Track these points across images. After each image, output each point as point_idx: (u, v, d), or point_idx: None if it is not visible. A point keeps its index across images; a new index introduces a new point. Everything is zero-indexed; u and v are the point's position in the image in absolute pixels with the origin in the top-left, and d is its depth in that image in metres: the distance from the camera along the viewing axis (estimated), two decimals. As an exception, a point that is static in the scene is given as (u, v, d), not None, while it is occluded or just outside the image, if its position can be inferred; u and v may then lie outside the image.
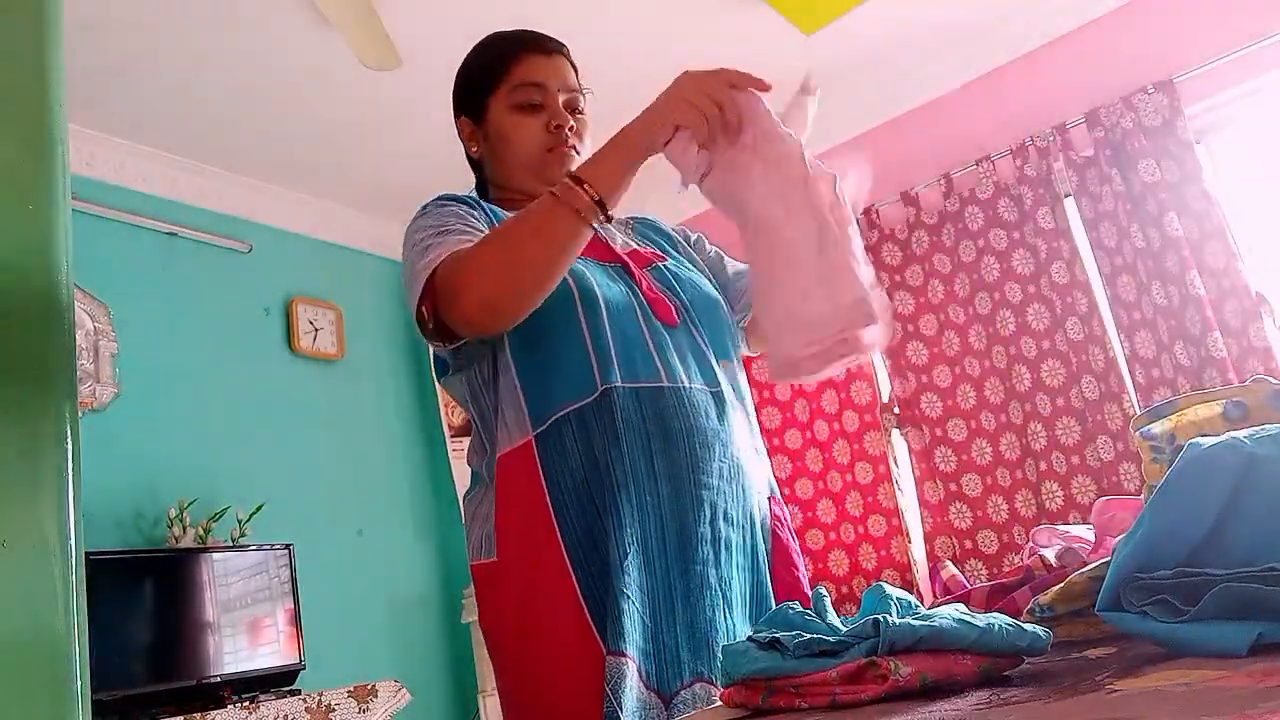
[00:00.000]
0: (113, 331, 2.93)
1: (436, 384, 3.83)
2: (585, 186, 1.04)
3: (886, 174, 3.47)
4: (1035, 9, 3.17)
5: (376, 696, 2.61)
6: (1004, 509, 3.13)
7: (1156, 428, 0.83)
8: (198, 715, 2.33)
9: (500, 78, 1.25)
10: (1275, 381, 0.79)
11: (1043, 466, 3.05)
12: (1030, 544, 1.07)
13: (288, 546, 2.96)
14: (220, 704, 2.46)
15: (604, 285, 1.16)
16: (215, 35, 2.70)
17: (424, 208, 1.23)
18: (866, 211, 3.47)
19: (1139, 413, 0.89)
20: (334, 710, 2.50)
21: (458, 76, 1.33)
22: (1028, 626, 0.70)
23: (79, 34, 2.54)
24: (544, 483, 1.08)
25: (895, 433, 3.39)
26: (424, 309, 1.11)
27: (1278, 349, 2.71)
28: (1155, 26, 3.01)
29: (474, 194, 1.31)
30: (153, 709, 2.42)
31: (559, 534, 1.07)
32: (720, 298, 1.30)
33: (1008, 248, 3.19)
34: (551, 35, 1.29)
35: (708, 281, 1.32)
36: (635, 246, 1.30)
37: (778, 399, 3.61)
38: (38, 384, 0.73)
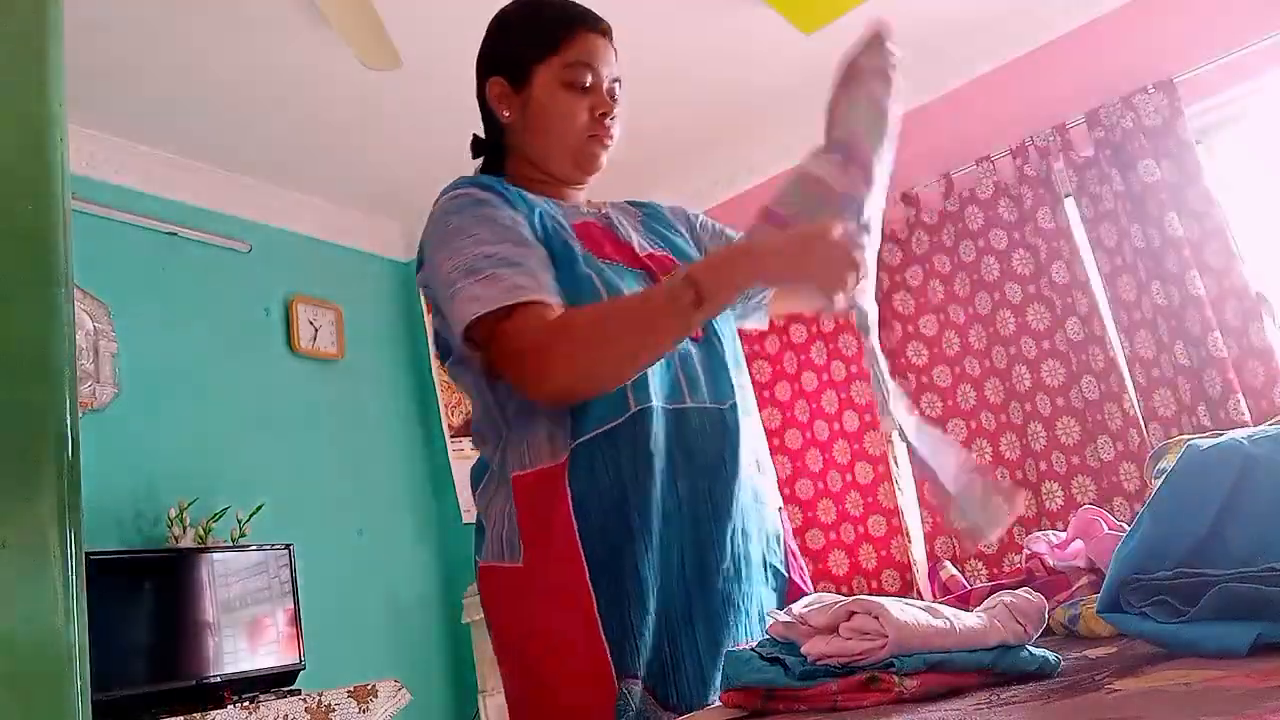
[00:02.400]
0: (113, 331, 2.93)
1: (436, 383, 3.83)
2: (701, 299, 1.01)
3: (886, 174, 3.47)
4: (1035, 9, 3.17)
5: (376, 696, 2.61)
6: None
7: (1165, 463, 0.83)
8: (198, 715, 2.33)
9: (554, 49, 1.20)
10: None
11: (1043, 466, 3.05)
12: (1027, 550, 1.08)
13: (288, 546, 2.96)
14: (220, 704, 2.46)
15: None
16: (215, 35, 2.70)
17: (454, 198, 1.16)
18: (866, 211, 3.47)
19: (1150, 452, 0.90)
20: (334, 710, 2.50)
21: (496, 32, 1.27)
22: (1037, 651, 0.70)
23: (79, 34, 2.54)
24: (570, 504, 1.06)
25: (895, 433, 3.38)
26: (474, 338, 1.08)
27: (1278, 349, 2.70)
28: (1155, 26, 3.01)
29: (490, 177, 1.23)
30: (153, 709, 2.42)
31: (583, 555, 1.05)
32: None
33: (1008, 248, 3.19)
34: (599, 15, 1.25)
35: None
36: (650, 249, 1.27)
37: (778, 399, 3.61)
38: (38, 384, 0.73)
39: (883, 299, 3.40)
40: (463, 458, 3.76)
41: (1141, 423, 2.88)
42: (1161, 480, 0.68)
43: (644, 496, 1.07)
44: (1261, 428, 0.71)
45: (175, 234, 3.23)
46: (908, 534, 3.27)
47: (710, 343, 1.20)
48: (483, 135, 1.32)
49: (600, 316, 1.07)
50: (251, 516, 2.98)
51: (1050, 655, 0.70)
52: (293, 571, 2.93)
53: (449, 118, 3.32)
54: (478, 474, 1.19)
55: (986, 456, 3.17)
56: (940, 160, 3.36)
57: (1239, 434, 0.68)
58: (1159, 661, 0.63)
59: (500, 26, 1.27)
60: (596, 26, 1.23)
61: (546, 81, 1.20)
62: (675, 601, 1.07)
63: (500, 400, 1.15)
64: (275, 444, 3.30)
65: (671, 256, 1.28)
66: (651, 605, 1.04)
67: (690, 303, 1.01)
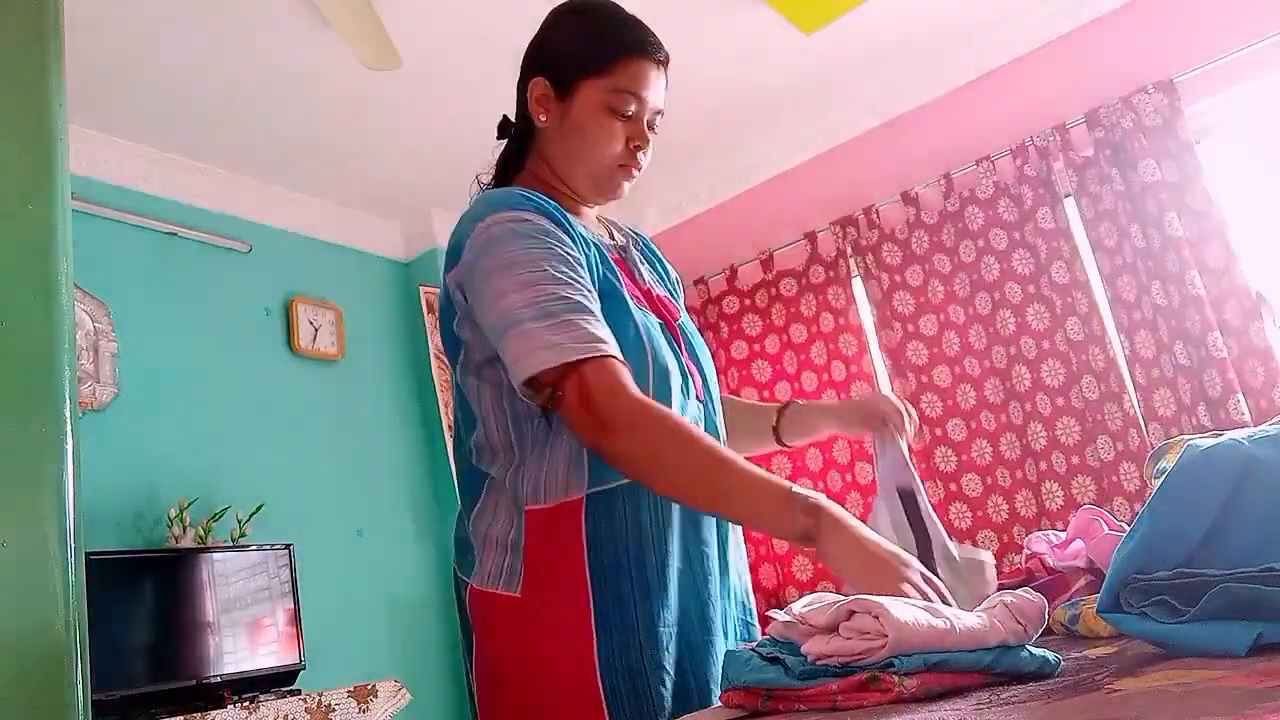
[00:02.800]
0: (113, 331, 2.93)
1: (436, 383, 3.83)
2: (810, 537, 0.94)
3: (886, 174, 3.48)
4: (1035, 9, 3.17)
5: (376, 696, 2.61)
6: (1004, 509, 3.12)
7: (1165, 463, 0.83)
8: (198, 715, 2.33)
9: (606, 68, 1.16)
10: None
11: (1043, 466, 3.05)
12: (1027, 550, 1.08)
13: (288, 546, 2.96)
14: (220, 704, 2.46)
15: (667, 357, 1.13)
16: (215, 35, 2.70)
17: (519, 219, 1.08)
18: (867, 211, 3.47)
19: (1149, 452, 0.90)
20: (334, 710, 2.50)
21: (552, 29, 1.22)
22: (1037, 651, 0.70)
23: (79, 34, 2.54)
24: (585, 543, 1.06)
25: (895, 433, 3.38)
26: (551, 382, 1.03)
27: (1278, 349, 2.70)
28: (1155, 26, 3.01)
29: (547, 202, 1.15)
30: (153, 709, 2.42)
31: (591, 597, 1.04)
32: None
33: (1008, 248, 3.19)
34: (661, 42, 1.21)
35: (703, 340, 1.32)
36: (658, 290, 1.25)
37: (778, 399, 3.61)
38: (38, 384, 0.73)
39: (883, 299, 3.40)
40: (463, 458, 3.75)
41: (1141, 423, 2.88)
42: (1161, 480, 0.68)
43: (662, 551, 1.07)
44: (1262, 428, 0.71)
45: (175, 234, 3.23)
46: (908, 534, 3.27)
47: (708, 403, 1.20)
48: (512, 119, 1.27)
49: (704, 454, 1.00)
50: (251, 516, 2.98)
51: (1050, 655, 0.70)
52: (293, 571, 2.92)
53: (449, 118, 3.34)
54: (473, 486, 1.15)
55: (987, 457, 3.17)
56: (940, 160, 3.36)
57: (1239, 434, 0.68)
58: (1159, 661, 0.63)
59: (558, 25, 1.23)
60: (654, 55, 1.19)
61: (590, 99, 1.17)
62: (686, 654, 1.07)
63: (519, 423, 1.11)
64: (275, 444, 3.30)
65: (674, 303, 1.27)
66: (666, 657, 1.05)
67: (800, 531, 0.94)
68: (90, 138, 3.02)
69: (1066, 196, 3.14)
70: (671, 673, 1.05)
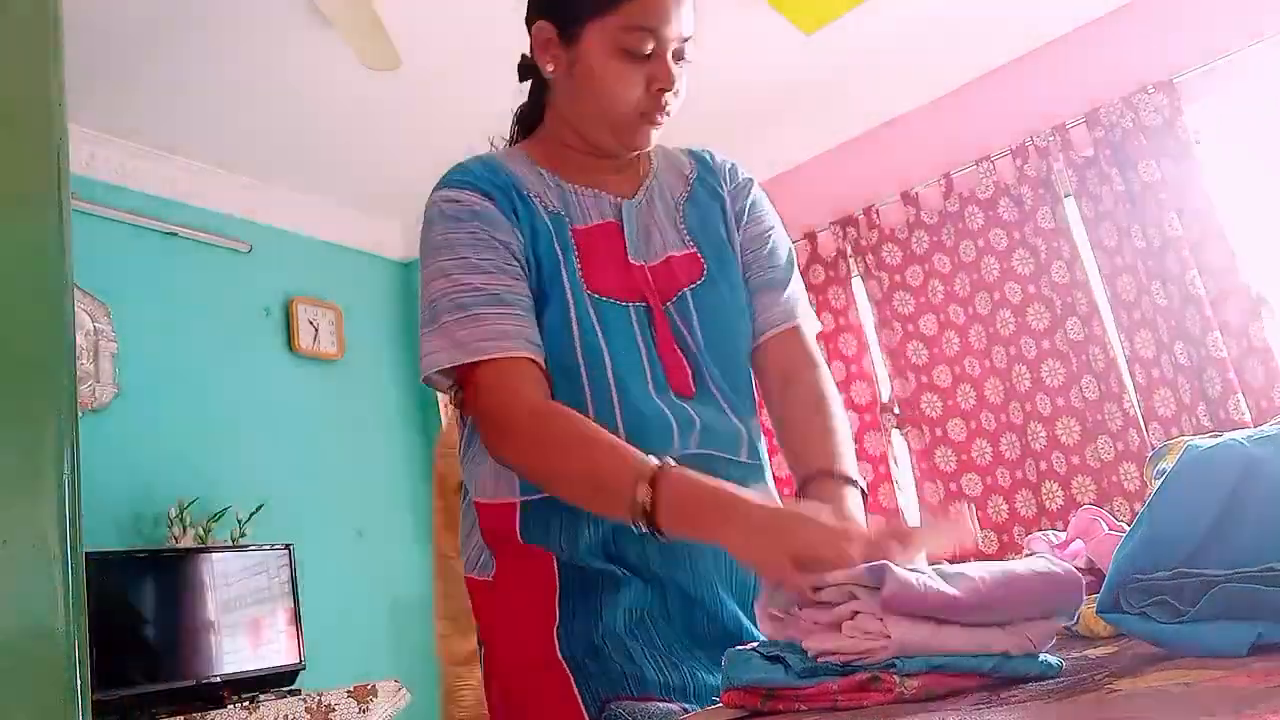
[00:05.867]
0: (113, 331, 2.93)
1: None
2: (658, 526, 0.86)
3: (886, 174, 3.47)
4: (1035, 9, 3.17)
5: (376, 696, 2.61)
6: (1004, 509, 3.12)
7: (1165, 464, 0.83)
8: (198, 715, 2.33)
9: (614, 4, 1.00)
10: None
11: (1043, 466, 3.05)
12: (1027, 550, 1.08)
13: (288, 546, 2.96)
14: (220, 704, 2.46)
15: (616, 352, 1.03)
16: (215, 35, 2.70)
17: (451, 200, 1.07)
18: (867, 211, 3.47)
19: (1149, 453, 0.89)
20: (334, 710, 2.50)
21: None
22: (1039, 655, 0.70)
23: (79, 34, 2.54)
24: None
25: (895, 433, 3.39)
26: (450, 377, 1.06)
27: (1278, 349, 2.70)
28: (1155, 26, 3.01)
29: (493, 174, 1.09)
30: (153, 709, 2.42)
31: (558, 581, 1.02)
32: (743, 322, 1.14)
33: (1008, 248, 3.19)
34: None
35: (739, 296, 1.15)
36: (669, 252, 1.11)
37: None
38: (38, 384, 0.73)
39: (883, 299, 3.40)
40: (463, 458, 3.76)
41: (1141, 423, 2.89)
42: (1161, 481, 0.68)
43: (608, 567, 1.02)
44: (1262, 428, 0.71)
45: (175, 234, 3.23)
46: (908, 534, 3.27)
47: (706, 392, 1.08)
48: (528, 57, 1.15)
49: (566, 443, 0.95)
50: (251, 516, 2.98)
51: (1051, 659, 0.70)
52: (293, 571, 2.93)
53: (449, 118, 3.33)
54: (465, 495, 1.17)
55: (987, 457, 3.17)
56: (940, 160, 3.36)
57: (1239, 434, 0.68)
58: (1159, 661, 0.63)
59: None
60: None
61: (599, 43, 1.02)
62: (674, 622, 1.03)
63: (469, 427, 1.12)
64: (275, 444, 3.30)
65: (697, 254, 1.13)
66: (628, 637, 1.00)
67: (641, 514, 0.87)
68: (90, 138, 3.02)
69: (1066, 196, 3.14)
70: (646, 645, 1.00)
